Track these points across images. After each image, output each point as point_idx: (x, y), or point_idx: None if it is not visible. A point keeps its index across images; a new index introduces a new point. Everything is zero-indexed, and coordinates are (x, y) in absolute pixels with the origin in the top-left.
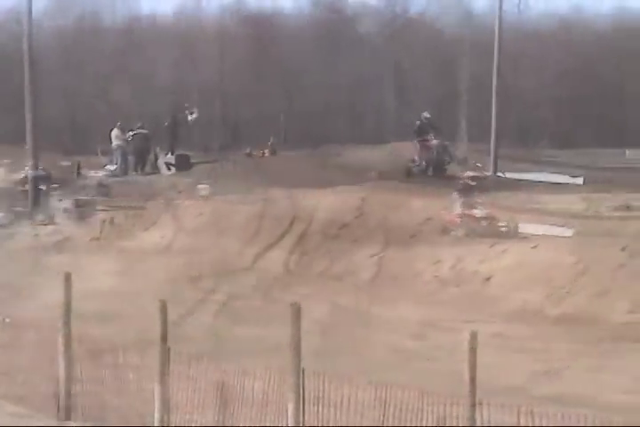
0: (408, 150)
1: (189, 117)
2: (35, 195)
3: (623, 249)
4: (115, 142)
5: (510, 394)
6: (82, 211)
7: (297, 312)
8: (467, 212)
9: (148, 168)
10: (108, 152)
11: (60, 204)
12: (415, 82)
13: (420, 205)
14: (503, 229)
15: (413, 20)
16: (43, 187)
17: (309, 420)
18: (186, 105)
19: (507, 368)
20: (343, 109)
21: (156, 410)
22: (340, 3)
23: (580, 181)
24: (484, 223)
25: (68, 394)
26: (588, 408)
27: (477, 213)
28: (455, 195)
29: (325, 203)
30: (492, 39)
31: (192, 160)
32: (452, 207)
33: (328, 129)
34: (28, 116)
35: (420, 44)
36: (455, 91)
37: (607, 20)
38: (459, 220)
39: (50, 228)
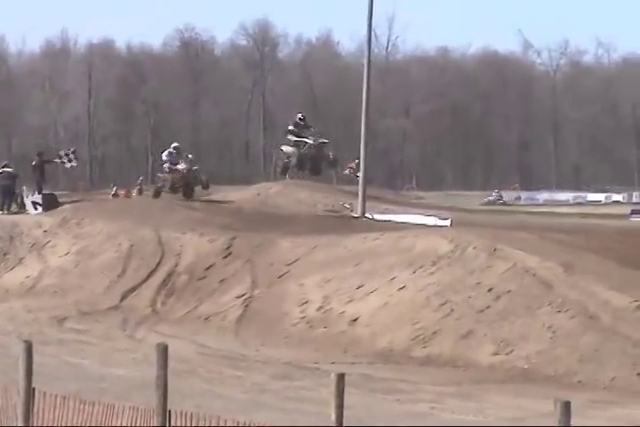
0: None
1: (67, 165)
2: None
3: (489, 290)
4: None
5: None
6: None
7: (163, 352)
8: None
9: (14, 207)
10: None
11: None
12: (284, 122)
13: (289, 246)
14: None
15: (282, 62)
16: None
17: None
18: (63, 152)
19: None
20: (211, 149)
21: None
22: (209, 43)
23: (447, 222)
24: None
25: None
26: None
27: None
28: None
29: (193, 243)
30: (360, 80)
31: (59, 200)
32: None
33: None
34: None
35: (289, 84)
36: (325, 131)
37: (473, 62)
38: None
39: None
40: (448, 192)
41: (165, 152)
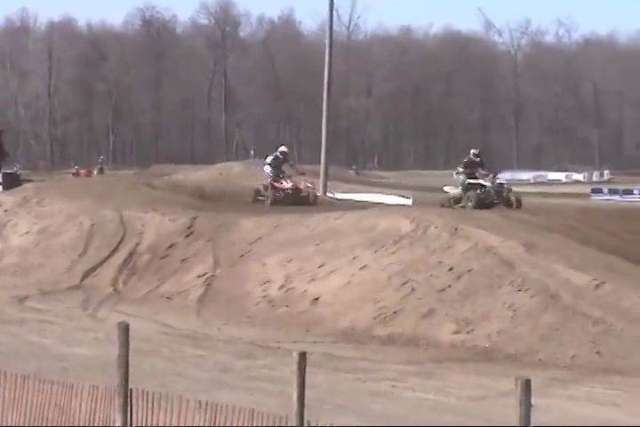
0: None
1: None
2: None
3: (451, 270)
4: None
5: (340, 414)
6: None
7: (124, 331)
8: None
9: None
10: None
11: None
12: (245, 101)
13: (251, 225)
14: None
15: (244, 41)
16: None
17: None
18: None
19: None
20: (173, 128)
21: None
22: (171, 22)
23: (409, 201)
24: None
25: None
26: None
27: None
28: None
29: (155, 222)
30: (322, 59)
31: (20, 178)
32: None
33: (158, 148)
34: None
35: (251, 64)
36: (287, 111)
37: (435, 41)
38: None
39: None
40: (409, 171)
41: (269, 158)
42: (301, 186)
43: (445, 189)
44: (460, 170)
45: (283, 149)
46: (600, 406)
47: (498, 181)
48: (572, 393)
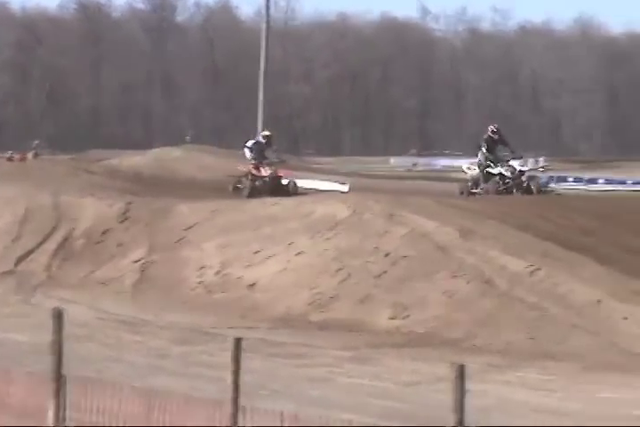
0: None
1: None
2: None
3: (387, 255)
4: None
5: (276, 399)
6: None
7: (58, 317)
8: None
9: None
10: None
11: None
12: (183, 86)
13: (188, 210)
14: None
15: (181, 26)
16: None
17: None
18: None
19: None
20: (111, 113)
21: None
22: (107, 6)
23: (345, 188)
24: None
25: None
26: (350, 413)
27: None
28: None
29: (91, 207)
30: (260, 45)
31: None
32: None
33: (97, 133)
34: None
35: (189, 48)
36: (226, 96)
37: (373, 27)
38: None
39: None
40: (347, 158)
41: (250, 142)
42: (282, 173)
43: (464, 168)
44: (484, 150)
45: (265, 132)
46: (534, 392)
47: (519, 168)
48: (507, 378)
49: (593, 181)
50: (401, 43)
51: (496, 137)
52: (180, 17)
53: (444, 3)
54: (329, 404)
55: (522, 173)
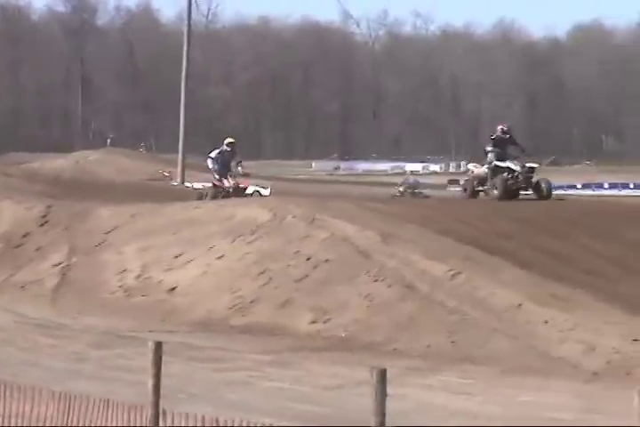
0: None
1: None
2: None
3: (308, 259)
4: None
5: (196, 403)
6: None
7: None
8: None
9: None
10: None
11: None
12: (103, 89)
13: (108, 214)
14: None
15: (101, 29)
16: None
17: None
18: None
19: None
20: (31, 115)
21: None
22: (26, 8)
23: (267, 192)
24: None
25: None
26: (270, 416)
27: None
28: None
29: (10, 210)
30: (181, 48)
31: None
32: None
33: (14, 135)
34: None
35: (109, 51)
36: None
37: (294, 31)
38: None
39: None
40: (268, 161)
41: (214, 152)
42: (244, 184)
43: (470, 166)
44: (489, 149)
45: (229, 140)
46: (454, 396)
47: (529, 165)
48: (427, 382)
49: None
50: (322, 46)
51: (506, 137)
52: (101, 20)
53: (366, 7)
54: (248, 408)
55: (532, 169)
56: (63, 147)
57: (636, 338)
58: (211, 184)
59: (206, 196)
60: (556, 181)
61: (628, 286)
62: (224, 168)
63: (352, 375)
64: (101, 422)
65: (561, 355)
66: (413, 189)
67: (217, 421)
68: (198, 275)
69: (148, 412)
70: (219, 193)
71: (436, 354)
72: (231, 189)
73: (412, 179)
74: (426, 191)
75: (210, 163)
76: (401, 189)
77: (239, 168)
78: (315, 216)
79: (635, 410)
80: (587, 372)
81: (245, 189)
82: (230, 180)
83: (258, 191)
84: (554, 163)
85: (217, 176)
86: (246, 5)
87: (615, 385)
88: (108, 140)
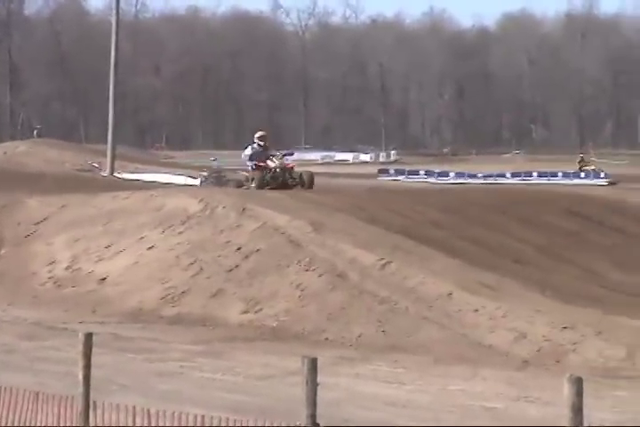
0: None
1: None
2: None
3: (239, 249)
4: None
5: (127, 394)
6: None
7: None
8: None
9: None
10: None
11: None
12: (31, 80)
13: (37, 205)
14: None
15: (29, 19)
16: None
17: None
18: None
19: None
20: None
21: None
22: None
23: (197, 182)
24: None
25: None
26: (201, 407)
27: None
28: None
29: None
30: (110, 38)
31: None
32: None
33: None
34: None
35: (36, 41)
36: (74, 89)
37: (223, 21)
38: None
39: None
40: (198, 151)
41: (248, 149)
42: (291, 166)
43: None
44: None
45: (260, 133)
46: (385, 384)
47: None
48: (358, 371)
49: (444, 174)
50: (252, 36)
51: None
52: (28, 10)
53: None
54: (180, 398)
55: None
56: None
57: (565, 326)
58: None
59: (251, 180)
60: (485, 171)
61: (557, 275)
62: (262, 158)
63: (283, 365)
64: (31, 414)
65: (492, 343)
66: (219, 174)
67: (148, 412)
68: (129, 265)
69: (79, 404)
70: (265, 175)
71: (367, 343)
72: (278, 169)
73: (215, 165)
74: (229, 176)
75: (248, 162)
76: (205, 174)
77: (278, 154)
78: (245, 206)
79: (565, 398)
80: (517, 360)
81: (293, 168)
82: (275, 159)
83: (309, 173)
84: (453, 153)
85: (253, 164)
86: None
87: (545, 373)
88: (35, 131)
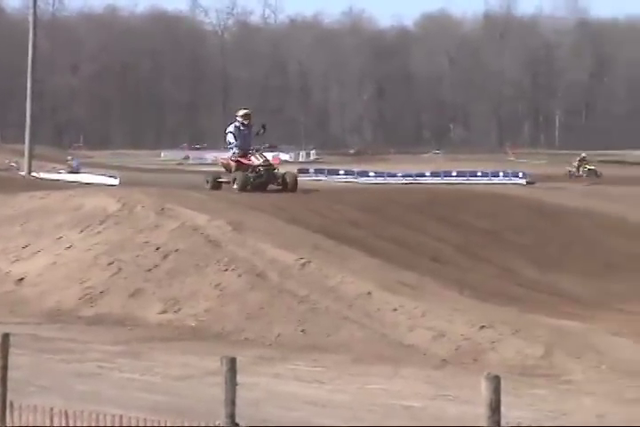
0: None
1: None
2: None
3: (158, 249)
4: None
5: (45, 395)
6: None
7: None
8: None
9: None
10: None
11: None
12: None
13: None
14: None
15: None
16: None
17: None
18: None
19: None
20: None
21: None
22: None
23: (115, 181)
24: None
25: None
26: (120, 407)
27: None
28: None
29: None
30: (27, 36)
31: None
32: None
33: None
34: None
35: None
36: None
37: (142, 20)
38: None
39: None
40: (117, 151)
41: (231, 127)
42: (275, 161)
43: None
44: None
45: (244, 111)
46: (305, 384)
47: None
48: (278, 371)
49: (364, 173)
50: (171, 36)
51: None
52: None
53: None
54: (99, 399)
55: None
56: None
57: (483, 324)
58: (231, 165)
59: (234, 181)
60: (405, 170)
61: (474, 273)
62: (245, 144)
63: (203, 365)
64: None
65: (411, 342)
66: (77, 171)
67: (66, 413)
68: (47, 265)
69: None
70: (249, 176)
71: (287, 343)
72: (262, 168)
73: (75, 162)
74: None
75: (230, 138)
76: (63, 171)
77: (263, 130)
78: (164, 206)
79: (482, 396)
80: (436, 358)
81: (275, 167)
82: (258, 156)
83: (291, 173)
84: (357, 153)
85: (237, 151)
86: None
87: (463, 371)
88: None
